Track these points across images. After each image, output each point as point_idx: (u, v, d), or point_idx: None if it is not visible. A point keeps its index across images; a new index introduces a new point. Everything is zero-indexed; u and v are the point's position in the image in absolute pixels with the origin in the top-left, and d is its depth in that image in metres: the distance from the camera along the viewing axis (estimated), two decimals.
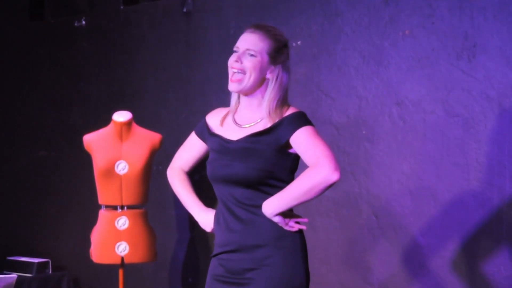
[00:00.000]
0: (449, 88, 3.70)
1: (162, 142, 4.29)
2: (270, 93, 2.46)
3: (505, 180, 3.52)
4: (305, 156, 2.42)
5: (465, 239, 3.66)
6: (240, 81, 2.46)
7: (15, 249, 5.77)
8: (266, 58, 2.45)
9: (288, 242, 2.44)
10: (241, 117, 2.53)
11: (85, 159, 4.53)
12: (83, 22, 5.47)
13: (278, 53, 2.48)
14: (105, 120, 4.38)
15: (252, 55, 2.45)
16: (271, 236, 2.43)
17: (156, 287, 5.05)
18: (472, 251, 3.64)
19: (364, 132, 3.99)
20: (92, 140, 4.23)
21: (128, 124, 4.19)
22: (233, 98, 2.56)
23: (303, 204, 2.43)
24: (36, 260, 5.23)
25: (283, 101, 2.49)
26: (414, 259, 3.83)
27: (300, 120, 2.44)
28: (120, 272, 4.27)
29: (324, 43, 4.15)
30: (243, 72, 2.46)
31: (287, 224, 2.43)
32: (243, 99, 2.53)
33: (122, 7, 5.24)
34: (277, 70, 2.47)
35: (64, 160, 5.58)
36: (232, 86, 2.48)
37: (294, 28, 4.27)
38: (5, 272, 5.23)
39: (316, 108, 4.16)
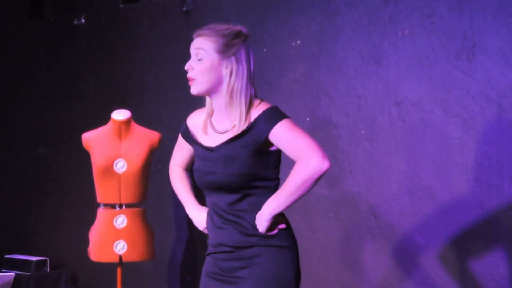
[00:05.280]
0: (448, 88, 3.70)
1: (161, 141, 4.29)
2: (228, 86, 2.46)
3: (504, 180, 3.52)
4: (289, 150, 2.42)
5: (463, 239, 3.66)
6: (195, 84, 2.48)
7: (13, 247, 5.77)
8: (215, 56, 2.46)
9: (275, 241, 2.46)
10: (217, 122, 2.53)
11: (84, 157, 4.53)
12: (83, 20, 5.47)
13: (228, 46, 2.46)
14: (104, 119, 4.38)
15: (199, 59, 2.47)
16: (258, 236, 2.45)
17: (155, 286, 5.05)
18: (471, 251, 3.64)
19: (363, 131, 3.99)
20: (91, 138, 4.23)
21: (127, 122, 4.19)
22: (207, 101, 2.57)
23: (300, 199, 2.44)
24: (34, 258, 5.23)
25: (249, 92, 2.48)
26: (412, 259, 3.83)
27: (275, 115, 2.44)
28: (118, 270, 4.27)
29: (323, 43, 4.15)
30: (193, 78, 2.47)
31: (269, 231, 2.45)
32: (212, 100, 2.53)
33: (121, 6, 5.24)
34: (231, 64, 2.46)
35: (62, 158, 5.57)
36: (191, 90, 2.50)
37: (293, 27, 4.27)
38: (3, 270, 5.23)
39: (316, 107, 4.16)
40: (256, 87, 2.53)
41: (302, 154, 2.37)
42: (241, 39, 2.49)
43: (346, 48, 4.06)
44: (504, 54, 3.52)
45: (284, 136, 2.41)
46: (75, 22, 5.51)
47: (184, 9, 4.85)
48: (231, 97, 2.46)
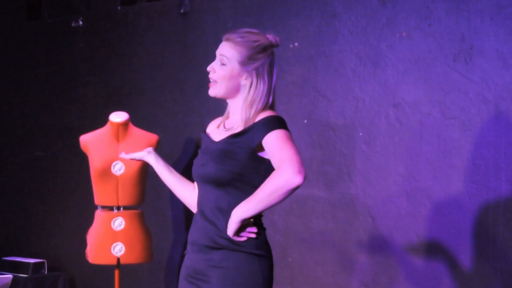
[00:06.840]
0: (446, 90, 3.70)
1: (158, 143, 4.29)
2: (245, 99, 2.51)
3: (501, 182, 3.53)
4: (272, 159, 2.43)
5: (461, 241, 3.67)
6: (214, 87, 2.54)
7: (11, 249, 5.76)
8: (237, 66, 2.49)
9: (246, 247, 2.46)
10: (229, 121, 2.60)
11: (82, 159, 4.53)
12: (80, 22, 5.47)
13: (251, 60, 2.49)
14: (102, 121, 4.37)
15: (223, 64, 2.51)
16: (229, 240, 2.45)
17: None
18: (468, 253, 3.64)
19: (360, 133, 3.99)
20: (89, 141, 4.23)
21: (124, 124, 4.19)
22: (228, 107, 2.64)
23: (272, 208, 2.43)
24: (31, 260, 5.22)
25: (264, 106, 2.51)
26: (410, 261, 3.83)
27: (273, 123, 2.45)
28: (116, 272, 4.27)
29: (321, 45, 4.15)
30: (215, 80, 2.53)
31: (237, 235, 2.45)
32: (229, 103, 2.59)
33: (119, 8, 5.24)
34: (251, 77, 2.50)
35: (60, 160, 5.57)
36: (209, 92, 2.56)
37: (291, 30, 4.27)
38: (0, 272, 5.22)
39: (313, 109, 4.16)
40: (275, 98, 2.55)
41: (280, 164, 2.38)
42: (267, 53, 2.51)
43: (343, 50, 4.06)
44: (501, 56, 3.53)
45: (273, 144, 2.43)
46: (72, 24, 5.50)
47: (181, 11, 4.85)
48: (246, 105, 2.50)
